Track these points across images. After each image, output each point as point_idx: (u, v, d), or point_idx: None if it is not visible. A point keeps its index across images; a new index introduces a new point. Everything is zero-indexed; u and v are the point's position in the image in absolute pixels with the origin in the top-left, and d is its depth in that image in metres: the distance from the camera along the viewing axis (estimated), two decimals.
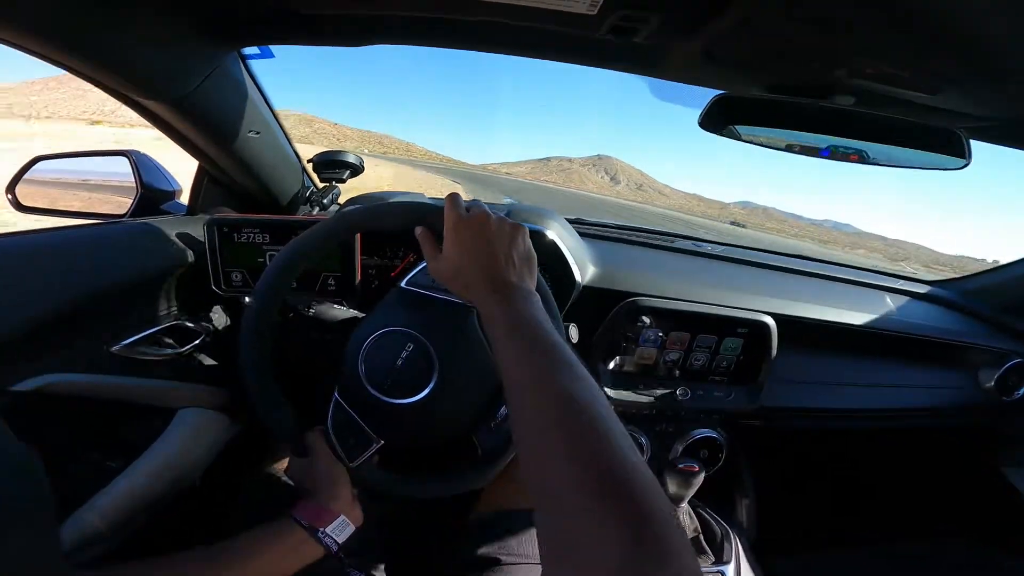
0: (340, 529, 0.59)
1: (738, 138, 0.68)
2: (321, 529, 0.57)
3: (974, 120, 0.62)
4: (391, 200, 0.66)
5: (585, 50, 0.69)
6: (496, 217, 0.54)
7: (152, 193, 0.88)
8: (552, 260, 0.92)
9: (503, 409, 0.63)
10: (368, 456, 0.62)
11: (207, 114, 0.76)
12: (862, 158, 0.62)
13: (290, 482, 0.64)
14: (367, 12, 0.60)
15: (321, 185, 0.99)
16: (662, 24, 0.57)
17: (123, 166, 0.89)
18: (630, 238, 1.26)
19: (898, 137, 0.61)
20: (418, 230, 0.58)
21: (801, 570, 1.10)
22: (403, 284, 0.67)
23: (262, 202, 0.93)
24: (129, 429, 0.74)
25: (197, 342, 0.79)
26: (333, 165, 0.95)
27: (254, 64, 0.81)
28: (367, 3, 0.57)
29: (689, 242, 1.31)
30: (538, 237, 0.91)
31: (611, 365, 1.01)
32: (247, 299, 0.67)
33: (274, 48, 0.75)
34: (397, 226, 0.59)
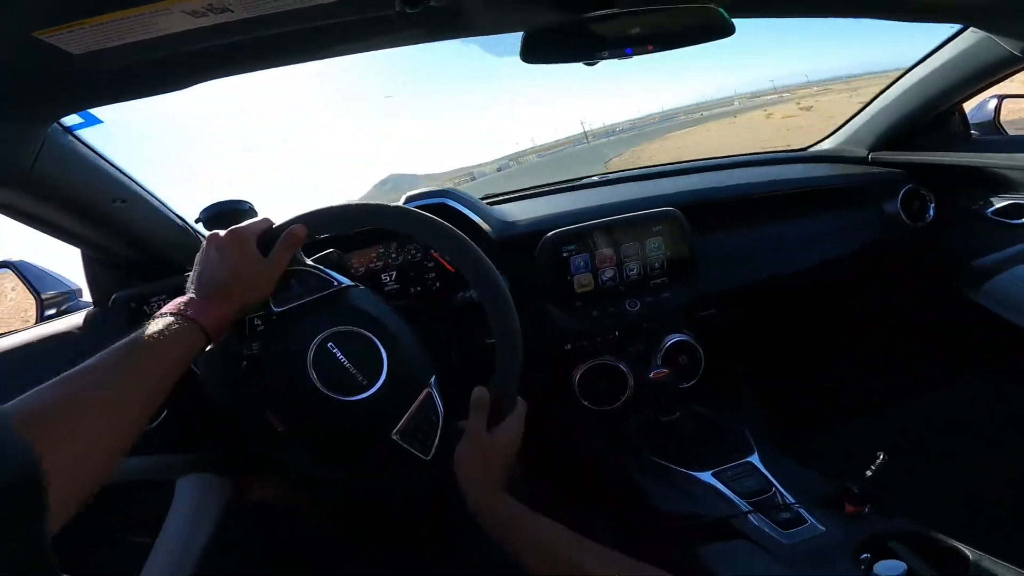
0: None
1: (560, 61, 0.75)
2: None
3: None
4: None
5: (394, 31, 0.74)
6: None
7: (51, 298, 0.88)
8: (461, 223, 0.96)
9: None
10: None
11: (56, 192, 0.76)
12: (656, 48, 0.71)
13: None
14: (160, 57, 0.61)
15: None
16: None
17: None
18: (538, 192, 1.34)
19: (675, 22, 0.71)
20: (481, 395, 0.66)
21: (823, 443, 1.13)
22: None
23: (159, 271, 0.93)
24: (142, 505, 0.78)
25: (162, 416, 0.79)
26: (226, 216, 0.95)
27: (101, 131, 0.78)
28: (150, 49, 0.57)
29: (595, 177, 1.39)
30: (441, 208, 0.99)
31: (560, 304, 1.06)
32: None
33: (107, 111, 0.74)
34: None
